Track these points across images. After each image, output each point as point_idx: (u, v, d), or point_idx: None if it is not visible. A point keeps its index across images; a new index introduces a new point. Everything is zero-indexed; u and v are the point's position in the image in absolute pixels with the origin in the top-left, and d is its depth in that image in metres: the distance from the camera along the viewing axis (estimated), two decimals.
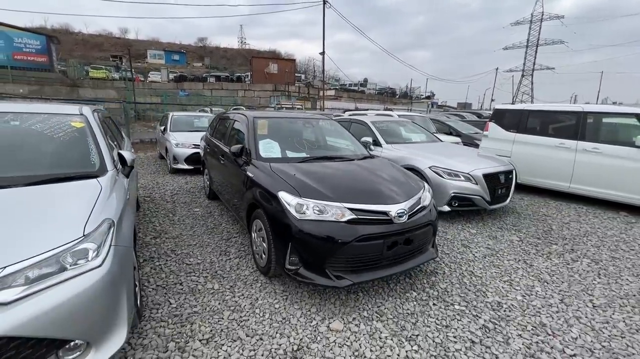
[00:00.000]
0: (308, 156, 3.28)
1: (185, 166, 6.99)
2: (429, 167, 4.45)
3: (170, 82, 31.06)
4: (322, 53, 17.42)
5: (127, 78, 26.91)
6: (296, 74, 32.74)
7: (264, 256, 2.71)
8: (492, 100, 52.52)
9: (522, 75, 60.35)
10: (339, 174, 2.89)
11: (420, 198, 2.74)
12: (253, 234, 2.95)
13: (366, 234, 2.28)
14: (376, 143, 5.31)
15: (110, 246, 1.66)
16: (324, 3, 17.98)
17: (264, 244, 2.68)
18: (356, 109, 19.07)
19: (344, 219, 2.32)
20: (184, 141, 7.10)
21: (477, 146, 8.13)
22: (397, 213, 2.42)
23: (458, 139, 8.45)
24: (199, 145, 7.05)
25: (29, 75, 19.87)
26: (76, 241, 1.54)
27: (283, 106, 20.43)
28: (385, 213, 2.40)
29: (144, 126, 20.99)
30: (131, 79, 23.99)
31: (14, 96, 12.74)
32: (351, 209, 2.36)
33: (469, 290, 2.71)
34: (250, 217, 2.96)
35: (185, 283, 2.68)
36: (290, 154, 3.26)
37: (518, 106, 6.35)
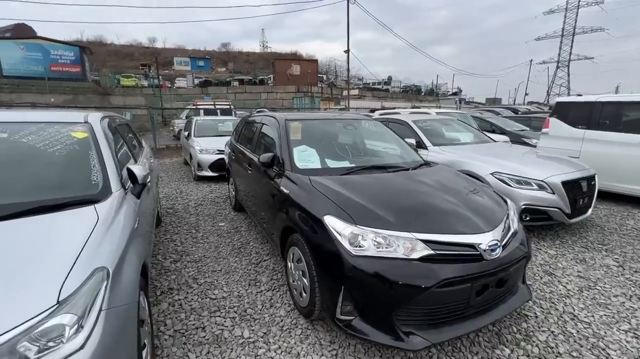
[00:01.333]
0: (353, 165, 2.68)
1: (210, 173, 6.63)
2: (491, 174, 3.72)
3: (195, 87, 31.59)
4: (347, 51, 16.74)
5: (154, 85, 27.59)
6: (318, 75, 32.31)
7: (304, 294, 2.15)
8: (526, 94, 49.42)
9: (557, 67, 56.58)
10: (398, 190, 2.27)
11: (509, 221, 2.07)
12: (289, 264, 2.40)
13: (450, 278, 1.66)
14: (420, 145, 4.63)
15: (100, 311, 1.15)
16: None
17: (305, 280, 2.11)
18: (382, 107, 18.26)
19: (416, 256, 1.70)
20: (208, 147, 6.74)
21: (527, 144, 7.20)
22: (489, 246, 1.77)
23: (506, 138, 7.54)
24: (223, 150, 6.66)
25: (64, 85, 20.75)
26: (45, 314, 1.04)
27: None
28: (472, 246, 1.76)
29: (170, 132, 21.32)
30: (158, 86, 24.50)
31: (47, 105, 13.17)
32: (425, 241, 1.74)
33: (582, 346, 2.01)
34: (286, 243, 2.42)
35: (208, 327, 2.17)
36: (331, 163, 2.69)
37: (588, 98, 5.42)
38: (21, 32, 25.43)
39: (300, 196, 2.26)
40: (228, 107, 14.73)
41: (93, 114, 2.44)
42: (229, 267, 3.02)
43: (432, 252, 1.71)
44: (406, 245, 1.73)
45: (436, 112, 7.89)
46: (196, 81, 33.92)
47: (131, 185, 2.13)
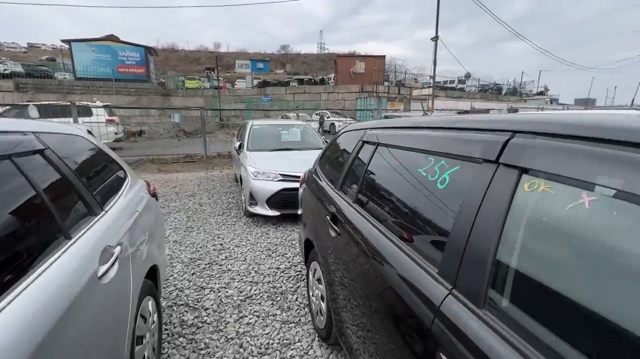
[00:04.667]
0: None
1: (268, 212, 4.15)
2: None
3: (254, 88, 30.71)
4: (435, 38, 13.34)
5: (215, 87, 27.16)
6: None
7: None
8: None
9: None
10: None
11: None
12: None
13: None
14: None
15: None
16: None
17: None
18: (473, 108, 14.58)
19: None
20: (267, 169, 4.29)
21: None
22: None
23: None
24: (292, 177, 4.15)
25: (129, 87, 20.83)
26: None
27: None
28: None
29: (227, 134, 20.04)
30: (217, 87, 23.71)
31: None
32: None
33: None
34: None
35: None
36: None
37: None
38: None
39: None
40: None
41: None
42: None
43: None
44: None
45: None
46: (255, 82, 33.13)
47: None
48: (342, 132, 2.19)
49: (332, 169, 2.08)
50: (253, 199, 4.22)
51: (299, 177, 4.17)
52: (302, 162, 4.72)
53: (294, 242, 3.68)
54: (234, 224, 4.28)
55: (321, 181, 2.13)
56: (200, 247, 3.53)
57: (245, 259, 3.26)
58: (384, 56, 27.94)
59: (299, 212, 2.77)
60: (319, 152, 5.27)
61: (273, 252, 3.40)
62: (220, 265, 3.12)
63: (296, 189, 4.10)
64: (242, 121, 10.70)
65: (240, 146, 5.29)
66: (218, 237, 3.83)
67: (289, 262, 3.18)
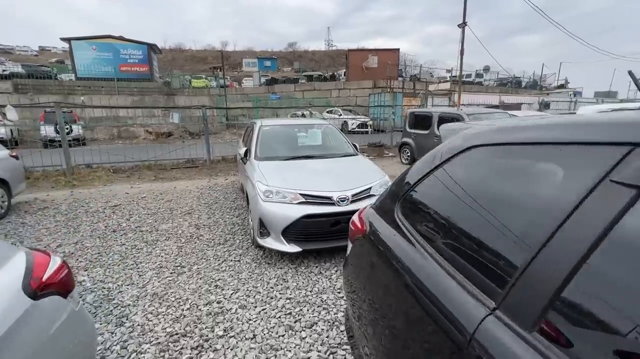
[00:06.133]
0: None
1: (285, 247, 2.98)
2: None
3: (261, 86, 29.61)
4: (462, 25, 11.84)
5: (221, 85, 26.23)
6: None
7: None
8: None
9: None
10: None
11: None
12: None
13: None
14: None
15: None
16: None
17: None
18: (501, 103, 13.14)
19: None
20: (283, 186, 3.12)
21: None
22: None
23: None
24: (318, 198, 2.99)
25: (132, 86, 19.91)
26: None
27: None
28: None
29: (234, 135, 18.94)
30: (224, 86, 22.65)
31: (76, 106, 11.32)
32: None
33: None
34: None
35: None
36: None
37: None
38: None
39: None
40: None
41: None
42: None
43: None
44: None
45: None
46: (262, 80, 32.04)
47: None
48: (471, 146, 0.97)
49: (455, 236, 0.88)
50: (264, 228, 3.06)
51: (328, 198, 2.99)
52: (329, 175, 3.53)
53: (324, 297, 2.52)
54: (238, 261, 3.14)
55: (425, 257, 0.92)
56: (188, 309, 2.40)
57: (253, 334, 2.11)
58: (398, 49, 26.37)
59: (349, 250, 1.57)
60: (349, 159, 4.06)
61: (296, 321, 2.24)
62: (215, 350, 1.97)
63: (325, 216, 2.93)
64: (250, 121, 9.53)
65: (247, 153, 4.13)
66: (216, 287, 2.69)
67: (321, 342, 2.02)
